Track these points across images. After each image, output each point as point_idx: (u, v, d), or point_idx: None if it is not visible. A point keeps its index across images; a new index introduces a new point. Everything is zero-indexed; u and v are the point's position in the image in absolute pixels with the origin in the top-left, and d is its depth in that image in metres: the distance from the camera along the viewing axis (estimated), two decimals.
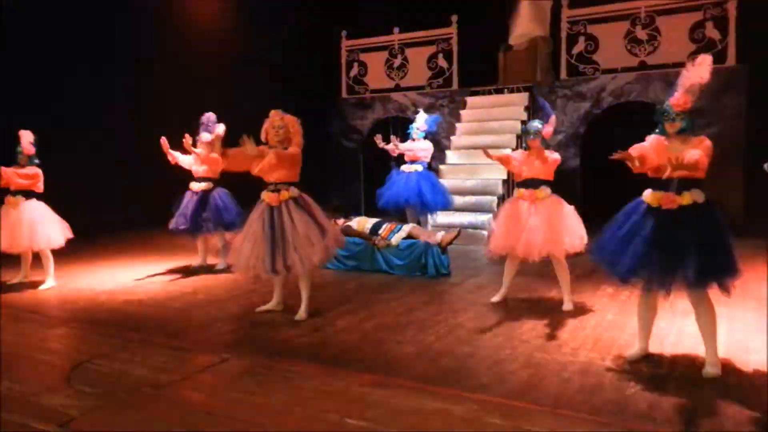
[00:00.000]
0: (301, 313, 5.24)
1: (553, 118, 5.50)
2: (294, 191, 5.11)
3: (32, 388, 3.75)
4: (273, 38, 12.10)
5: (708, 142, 3.79)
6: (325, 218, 5.29)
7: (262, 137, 5.16)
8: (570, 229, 5.22)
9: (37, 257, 6.60)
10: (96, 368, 4.09)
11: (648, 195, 3.89)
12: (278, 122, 5.08)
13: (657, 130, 3.94)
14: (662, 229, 3.74)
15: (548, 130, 5.41)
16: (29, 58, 9.26)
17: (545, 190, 5.31)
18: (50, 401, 3.56)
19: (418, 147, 8.68)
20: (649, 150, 3.84)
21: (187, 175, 7.30)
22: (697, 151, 3.66)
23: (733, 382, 3.68)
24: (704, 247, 3.65)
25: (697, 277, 3.64)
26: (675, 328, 4.68)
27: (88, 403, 3.53)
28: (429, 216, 8.92)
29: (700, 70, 3.86)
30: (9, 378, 3.91)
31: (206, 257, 7.52)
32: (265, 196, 5.10)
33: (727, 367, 3.88)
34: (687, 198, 3.75)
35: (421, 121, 8.71)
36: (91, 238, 6.72)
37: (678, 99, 3.85)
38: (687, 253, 3.63)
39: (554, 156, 5.36)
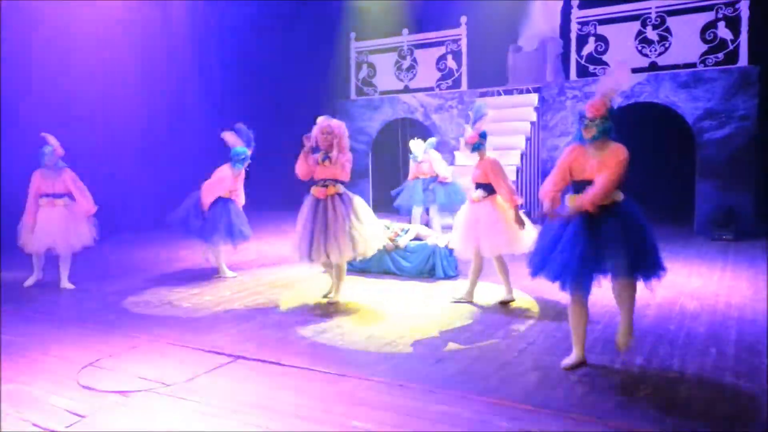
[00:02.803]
0: (335, 295, 5.77)
1: (479, 124, 5.58)
2: (340, 188, 5.63)
3: (42, 389, 3.78)
4: (283, 41, 12.13)
5: (622, 156, 3.69)
6: (369, 216, 5.74)
7: (312, 142, 5.67)
8: (491, 233, 5.40)
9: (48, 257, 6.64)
10: (104, 369, 4.11)
11: (568, 198, 3.86)
12: (326, 128, 5.57)
13: (577, 136, 3.90)
14: (582, 233, 3.72)
15: (470, 135, 5.56)
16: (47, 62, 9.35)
17: (478, 193, 5.53)
18: (59, 401, 3.59)
19: (428, 169, 8.91)
20: (558, 179, 3.92)
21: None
22: (594, 189, 3.67)
23: (745, 385, 3.64)
24: (626, 245, 3.66)
25: (619, 272, 3.72)
26: (683, 331, 4.64)
27: (97, 403, 3.55)
28: (439, 215, 8.93)
29: (617, 76, 3.79)
30: (18, 379, 3.94)
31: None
32: (314, 190, 5.63)
33: (739, 370, 3.85)
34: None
35: (421, 154, 8.88)
36: (99, 240, 6.71)
37: (592, 105, 3.74)
38: (608, 253, 3.67)
39: (489, 159, 5.52)
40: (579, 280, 3.73)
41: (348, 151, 5.69)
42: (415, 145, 8.99)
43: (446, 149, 10.62)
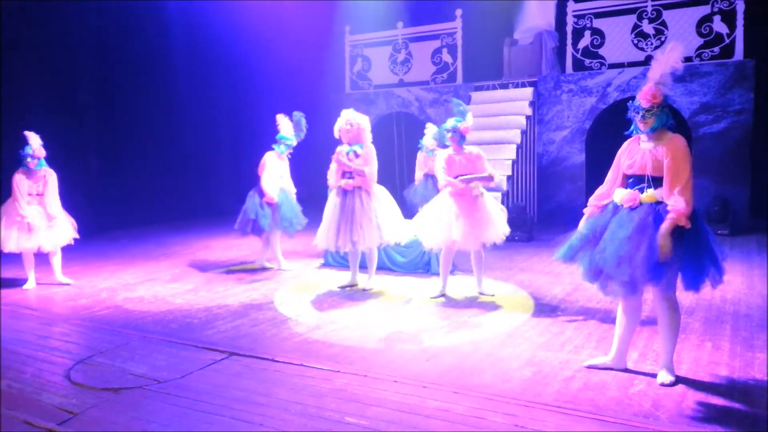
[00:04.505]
0: (368, 282, 6.09)
1: (469, 115, 5.56)
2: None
3: (33, 386, 3.75)
4: (277, 35, 12.05)
5: (681, 143, 3.46)
6: (392, 205, 6.03)
7: (336, 135, 5.96)
8: (490, 222, 5.46)
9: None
10: (96, 365, 4.08)
11: (616, 192, 3.68)
12: (350, 121, 5.85)
13: (632, 128, 3.64)
14: (616, 229, 3.52)
15: (465, 126, 5.53)
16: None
17: (477, 184, 5.50)
18: (51, 399, 3.56)
19: (433, 167, 8.72)
20: (612, 179, 3.73)
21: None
22: (677, 199, 3.35)
23: (739, 380, 3.64)
24: (654, 250, 3.37)
25: (646, 278, 3.41)
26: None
27: (89, 400, 3.52)
28: None
29: (670, 59, 3.51)
30: (10, 376, 3.91)
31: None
32: (342, 182, 5.90)
33: (733, 365, 3.85)
34: (649, 197, 3.49)
35: (430, 139, 8.66)
36: (90, 237, 6.64)
37: (646, 93, 3.49)
38: (635, 253, 3.39)
39: (476, 151, 5.56)
40: (628, 286, 3.50)
41: (371, 144, 5.95)
42: (430, 131, 8.72)
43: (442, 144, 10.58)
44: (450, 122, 5.57)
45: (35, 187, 6.31)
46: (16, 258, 6.58)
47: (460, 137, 5.52)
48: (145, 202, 10.69)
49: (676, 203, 3.35)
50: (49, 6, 9.16)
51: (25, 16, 8.96)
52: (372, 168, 5.88)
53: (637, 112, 3.53)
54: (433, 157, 8.74)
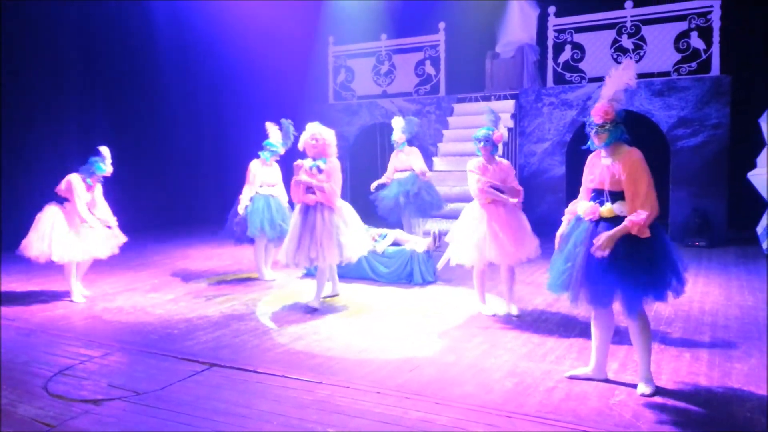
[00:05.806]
0: (313, 301, 5.74)
1: (500, 124, 5.51)
2: None
3: (9, 398, 3.69)
4: (260, 45, 12.05)
5: (636, 156, 3.55)
6: (356, 222, 5.86)
7: (300, 148, 5.77)
8: (527, 236, 5.30)
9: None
10: (75, 377, 4.03)
11: (579, 205, 3.79)
12: (315, 135, 5.64)
13: (589, 143, 3.76)
14: (578, 243, 3.62)
15: (499, 134, 5.37)
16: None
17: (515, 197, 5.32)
18: (28, 411, 3.51)
19: (405, 160, 8.58)
20: (583, 194, 3.84)
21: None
22: (639, 213, 3.45)
23: (717, 390, 3.68)
24: (615, 265, 3.46)
25: (622, 301, 3.52)
26: (658, 336, 4.68)
27: (67, 412, 3.47)
28: (420, 220, 8.84)
29: (623, 76, 3.64)
30: None
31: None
32: (304, 197, 5.68)
33: (711, 375, 3.89)
34: (608, 210, 3.59)
35: (398, 133, 8.59)
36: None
37: (599, 109, 3.61)
38: (597, 269, 3.50)
39: (506, 163, 5.44)
40: (594, 296, 3.57)
41: (336, 159, 5.76)
42: (396, 127, 8.58)
43: (424, 155, 10.62)
44: (481, 131, 5.29)
45: (89, 194, 6.18)
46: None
47: (492, 146, 5.30)
48: (124, 211, 10.52)
49: (637, 216, 3.45)
50: (29, 10, 9.08)
51: (9, 18, 8.88)
52: (334, 184, 5.65)
53: (592, 128, 3.66)
54: (402, 150, 8.61)
